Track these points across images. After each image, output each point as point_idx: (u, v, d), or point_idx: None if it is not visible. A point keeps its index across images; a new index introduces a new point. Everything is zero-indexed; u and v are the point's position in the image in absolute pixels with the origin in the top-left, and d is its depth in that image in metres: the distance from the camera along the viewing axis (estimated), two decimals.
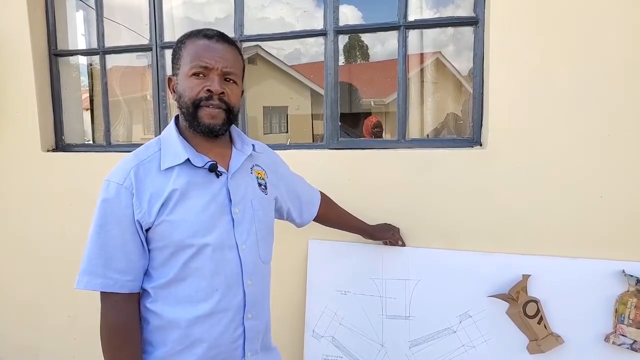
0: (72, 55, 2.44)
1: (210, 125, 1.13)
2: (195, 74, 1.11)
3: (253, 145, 1.28)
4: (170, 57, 1.19)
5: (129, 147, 2.28)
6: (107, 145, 2.33)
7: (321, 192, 1.62)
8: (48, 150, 2.35)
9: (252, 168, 1.27)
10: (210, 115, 1.12)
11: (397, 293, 1.81)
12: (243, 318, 1.18)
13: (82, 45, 2.52)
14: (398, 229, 1.80)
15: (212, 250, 1.12)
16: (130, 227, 1.08)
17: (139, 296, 1.15)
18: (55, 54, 2.36)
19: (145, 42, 2.25)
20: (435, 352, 1.77)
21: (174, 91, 1.17)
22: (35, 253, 2.37)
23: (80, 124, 2.54)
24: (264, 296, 1.27)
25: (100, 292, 1.10)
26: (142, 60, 2.50)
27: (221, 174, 1.16)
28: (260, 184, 1.27)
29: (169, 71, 2.21)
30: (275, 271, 1.91)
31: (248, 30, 2.06)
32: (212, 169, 1.14)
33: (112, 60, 2.46)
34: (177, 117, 1.21)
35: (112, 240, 1.08)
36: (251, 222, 1.20)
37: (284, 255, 1.95)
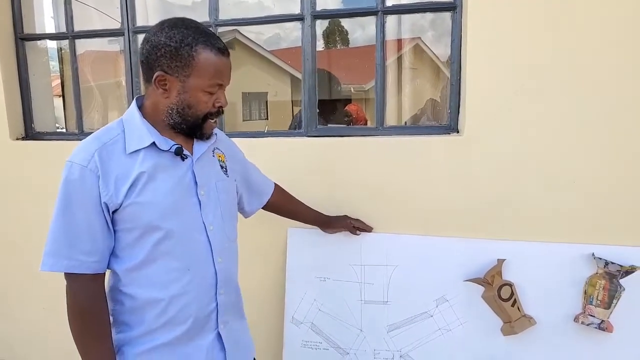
0: (39, 40, 2.35)
1: (209, 134, 1.22)
2: (211, 92, 1.14)
3: (215, 133, 1.30)
4: (158, 49, 1.09)
5: None
6: (80, 133, 2.27)
7: (276, 185, 1.66)
8: (17, 139, 2.28)
9: (214, 151, 1.31)
10: (212, 126, 1.21)
11: (375, 279, 1.83)
12: (216, 294, 1.23)
13: (50, 28, 2.43)
14: (357, 220, 1.81)
15: (182, 231, 1.15)
16: (95, 208, 1.08)
17: (104, 277, 1.16)
18: (22, 37, 2.27)
19: (117, 26, 2.18)
20: (412, 336, 1.80)
21: (165, 89, 1.12)
22: (8, 244, 2.32)
23: (51, 111, 2.46)
24: (234, 272, 1.32)
25: (66, 273, 1.10)
26: (114, 45, 2.42)
27: (186, 157, 1.19)
28: (222, 167, 1.32)
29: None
30: (255, 259, 1.93)
31: (224, 15, 2.02)
32: (178, 152, 1.16)
33: (83, 45, 2.38)
34: (137, 99, 1.20)
35: (77, 221, 1.08)
36: (216, 204, 1.24)
37: (264, 244, 1.96)
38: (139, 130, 1.14)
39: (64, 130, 2.73)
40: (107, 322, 1.14)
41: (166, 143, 1.15)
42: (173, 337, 1.17)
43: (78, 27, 2.23)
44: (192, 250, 1.18)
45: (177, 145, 1.16)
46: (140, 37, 2.15)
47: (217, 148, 1.33)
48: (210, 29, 1.23)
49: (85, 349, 1.12)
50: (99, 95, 2.68)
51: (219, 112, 1.19)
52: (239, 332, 1.35)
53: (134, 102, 1.20)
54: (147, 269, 1.14)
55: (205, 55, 1.10)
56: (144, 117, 1.16)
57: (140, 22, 2.15)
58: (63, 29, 2.26)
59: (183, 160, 1.18)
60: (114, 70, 2.61)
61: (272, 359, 1.98)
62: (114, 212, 1.10)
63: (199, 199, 1.19)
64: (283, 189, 1.70)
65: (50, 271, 1.08)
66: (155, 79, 1.11)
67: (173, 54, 1.09)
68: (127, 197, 1.09)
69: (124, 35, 2.14)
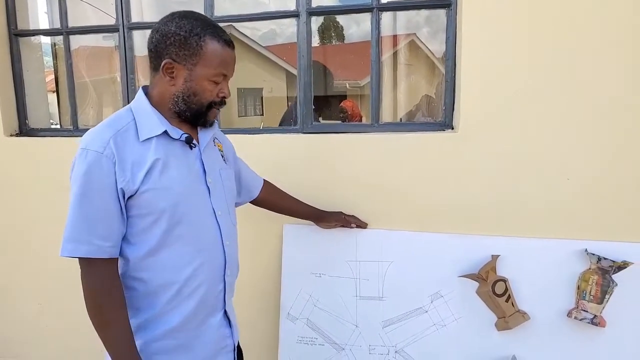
0: (33, 35, 2.33)
1: (212, 122, 1.28)
2: (216, 82, 1.19)
3: (216, 121, 1.36)
4: (168, 37, 1.14)
5: None
6: (75, 129, 2.25)
7: (266, 180, 1.69)
8: (11, 135, 2.27)
9: (214, 140, 1.36)
10: (215, 114, 1.26)
11: (370, 275, 1.84)
12: (224, 275, 1.29)
13: (44, 24, 2.42)
14: (352, 216, 1.82)
15: (194, 217, 1.20)
16: (112, 194, 1.11)
17: (117, 262, 1.18)
18: (16, 33, 2.25)
19: (112, 22, 2.17)
20: (407, 332, 1.82)
21: (172, 77, 1.17)
22: (2, 242, 2.31)
23: (45, 107, 2.45)
24: (237, 254, 1.38)
25: (82, 259, 1.12)
26: (109, 41, 2.41)
27: (194, 146, 1.24)
28: (222, 156, 1.38)
29: (137, 52, 2.16)
30: (251, 255, 1.94)
31: (219, 11, 2.01)
32: (188, 141, 1.21)
33: (78, 40, 2.37)
34: (143, 88, 1.24)
35: (95, 207, 1.10)
36: (222, 191, 1.31)
37: (260, 240, 1.96)
38: (150, 119, 1.18)
39: (58, 126, 2.71)
40: (124, 304, 1.16)
41: (177, 132, 1.20)
42: (184, 318, 1.21)
43: (72, 23, 2.21)
44: (204, 234, 1.24)
45: (186, 135, 1.21)
46: (135, 33, 2.14)
47: (216, 137, 1.38)
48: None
49: (105, 333, 1.13)
50: (93, 91, 2.66)
51: (222, 102, 1.24)
52: (233, 311, 1.41)
53: (140, 91, 1.23)
54: (162, 254, 1.18)
55: (213, 46, 1.15)
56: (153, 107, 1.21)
57: (135, 18, 2.13)
58: (57, 25, 2.24)
59: (191, 149, 1.23)
60: (108, 66, 2.60)
61: (267, 355, 1.99)
62: (129, 198, 1.13)
63: (207, 186, 1.25)
64: (272, 185, 1.72)
65: (69, 256, 1.10)
66: (163, 67, 1.15)
67: (182, 43, 1.13)
68: (143, 183, 1.12)
69: (118, 31, 2.13)
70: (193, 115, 1.21)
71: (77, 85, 2.30)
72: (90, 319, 1.14)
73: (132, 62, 2.14)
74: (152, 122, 1.18)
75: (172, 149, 1.19)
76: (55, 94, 2.61)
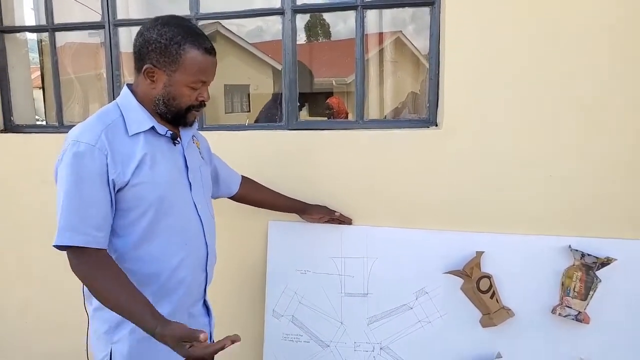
0: (19, 32, 2.31)
1: (192, 122, 1.32)
2: (194, 88, 1.23)
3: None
4: (150, 43, 1.18)
5: None
6: (60, 126, 2.24)
7: (244, 176, 1.70)
8: None
9: (193, 138, 1.41)
10: (195, 116, 1.31)
11: (355, 271, 1.84)
12: (206, 264, 1.36)
13: (30, 21, 2.40)
14: (336, 212, 1.82)
15: (180, 209, 1.27)
16: (103, 185, 1.14)
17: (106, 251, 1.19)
18: (2, 30, 2.24)
19: (98, 19, 2.16)
20: (392, 328, 1.81)
21: (153, 81, 1.21)
22: None
23: (30, 104, 2.43)
24: (215, 245, 1.42)
25: (72, 248, 1.12)
26: (95, 38, 2.40)
27: (178, 143, 1.30)
28: (200, 153, 1.44)
29: (123, 48, 2.15)
30: (236, 252, 1.93)
31: (205, 7, 2.01)
32: (174, 137, 1.27)
33: (64, 37, 2.36)
34: (128, 86, 1.28)
35: (88, 197, 1.12)
36: (201, 185, 1.37)
37: (245, 237, 1.95)
38: (137, 115, 1.23)
39: (44, 122, 2.70)
40: (122, 271, 1.15)
41: (162, 128, 1.26)
42: (171, 309, 1.25)
43: (58, 20, 2.20)
44: (188, 226, 1.30)
45: (171, 132, 1.27)
46: (121, 30, 2.13)
47: (194, 135, 1.42)
48: (191, 22, 1.29)
49: (127, 309, 1.11)
50: (79, 88, 2.65)
51: (201, 105, 1.28)
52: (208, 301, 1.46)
53: (126, 88, 1.28)
54: (149, 245, 1.22)
55: (192, 54, 1.19)
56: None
57: (121, 14, 2.12)
58: (43, 22, 2.23)
59: (175, 145, 1.29)
60: (94, 62, 2.59)
61: (252, 352, 1.98)
62: (118, 190, 1.17)
63: (189, 181, 1.31)
64: (252, 180, 1.73)
65: (66, 244, 1.11)
66: (144, 71, 1.21)
67: (162, 50, 1.18)
68: (134, 176, 1.17)
69: (104, 28, 2.11)
70: (173, 117, 1.26)
71: (63, 81, 2.29)
72: (104, 303, 1.13)
73: (118, 59, 2.13)
74: (140, 117, 1.23)
75: (159, 145, 1.25)
76: (41, 90, 2.59)
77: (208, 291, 1.43)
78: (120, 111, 1.22)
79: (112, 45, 2.12)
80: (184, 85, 1.21)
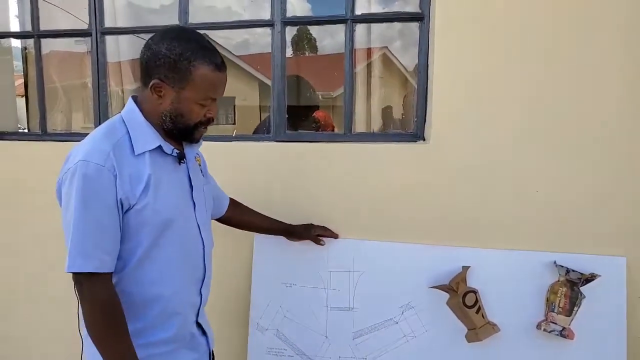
0: (3, 38, 2.29)
1: (198, 140, 1.28)
2: (203, 105, 1.19)
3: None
4: (158, 58, 1.14)
5: (66, 136, 2.18)
6: (43, 134, 2.20)
7: (231, 198, 1.68)
8: None
9: (195, 156, 1.36)
10: (202, 133, 1.27)
11: (341, 285, 1.82)
12: (201, 288, 1.33)
13: (15, 27, 2.37)
14: (323, 227, 1.80)
15: (183, 231, 1.24)
16: (113, 207, 1.11)
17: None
18: None
19: (85, 27, 2.14)
20: (378, 343, 1.80)
21: (160, 96, 1.17)
22: None
23: (13, 111, 2.39)
24: (211, 266, 1.40)
25: (85, 274, 1.10)
26: (81, 46, 2.38)
27: (184, 162, 1.27)
28: (201, 171, 1.40)
29: (110, 58, 2.13)
30: (221, 265, 1.88)
31: (193, 18, 2.00)
32: (180, 157, 1.24)
33: (49, 45, 2.33)
34: (133, 98, 1.24)
35: (99, 221, 1.10)
36: (204, 205, 1.34)
37: (230, 250, 1.93)
38: (144, 132, 1.19)
39: (26, 130, 2.66)
40: (125, 319, 1.14)
41: (168, 147, 1.22)
42: (173, 332, 1.24)
43: (44, 27, 2.18)
44: (190, 248, 1.28)
45: (178, 151, 1.24)
46: (108, 38, 2.12)
47: (196, 153, 1.38)
48: (202, 35, 1.27)
49: (110, 350, 1.12)
50: (63, 96, 2.62)
51: (209, 121, 1.25)
52: (206, 319, 1.43)
53: (132, 102, 1.23)
54: (151, 267, 1.19)
55: (202, 71, 1.15)
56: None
57: (108, 22, 2.11)
58: (28, 28, 2.20)
59: (180, 164, 1.25)
60: (79, 71, 2.56)
61: None
62: (125, 211, 1.14)
63: (193, 201, 1.28)
64: (238, 202, 1.71)
65: (78, 271, 1.09)
66: (151, 86, 1.16)
67: (171, 66, 1.13)
68: (140, 198, 1.14)
69: (91, 35, 2.10)
70: (180, 134, 1.23)
71: (47, 90, 2.26)
72: (93, 333, 1.12)
73: (104, 67, 2.11)
74: (147, 136, 1.18)
75: (164, 164, 1.21)
76: (24, 98, 2.56)
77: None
78: (126, 127, 1.18)
79: (98, 53, 2.10)
80: (193, 102, 1.17)
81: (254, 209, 1.73)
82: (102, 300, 1.11)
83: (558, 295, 1.66)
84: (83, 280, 1.10)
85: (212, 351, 1.45)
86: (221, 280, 1.89)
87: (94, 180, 1.08)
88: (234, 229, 1.74)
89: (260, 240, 1.89)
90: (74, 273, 1.11)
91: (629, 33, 1.59)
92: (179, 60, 1.13)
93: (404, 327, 1.78)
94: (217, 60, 1.18)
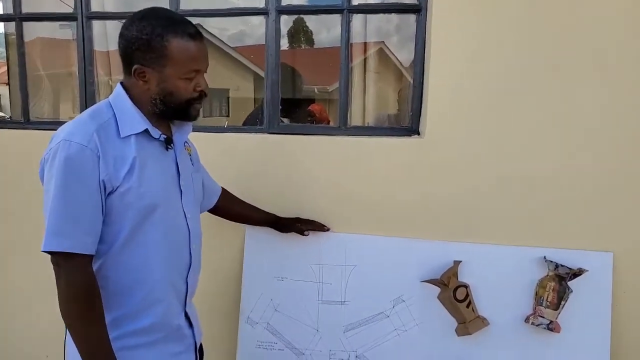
0: None
1: (195, 117, 1.26)
2: (189, 78, 1.17)
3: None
4: (132, 42, 1.13)
5: (51, 124, 2.10)
6: (26, 122, 2.13)
7: (223, 188, 1.67)
8: None
9: (185, 144, 1.35)
10: (197, 110, 1.25)
11: (333, 279, 1.81)
12: (187, 277, 1.30)
13: None
14: (310, 220, 1.79)
15: (168, 218, 1.21)
16: (95, 188, 1.09)
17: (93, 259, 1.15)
18: None
19: (70, 10, 2.07)
20: (369, 336, 1.80)
21: (145, 81, 1.16)
22: None
23: None
24: (200, 257, 1.38)
25: (61, 254, 1.07)
26: (66, 32, 2.30)
27: (171, 148, 1.25)
28: (190, 159, 1.38)
29: (98, 45, 2.07)
30: (212, 259, 1.87)
31: (185, 5, 1.95)
32: (168, 142, 1.23)
33: (34, 30, 2.25)
34: (121, 84, 1.22)
35: (79, 200, 1.08)
36: (191, 194, 1.32)
37: (221, 243, 1.90)
38: (131, 116, 1.17)
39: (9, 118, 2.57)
40: (101, 305, 1.13)
41: (156, 132, 1.20)
42: (155, 320, 1.22)
43: (26, 9, 2.10)
44: (175, 235, 1.25)
45: (165, 135, 1.22)
46: (95, 23, 2.06)
47: (186, 141, 1.37)
48: (170, 10, 1.25)
49: (81, 336, 1.10)
50: (48, 85, 2.54)
51: (201, 96, 1.23)
52: (195, 311, 1.42)
53: (120, 87, 1.21)
54: (134, 252, 1.17)
55: (177, 44, 1.13)
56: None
57: (95, 7, 2.04)
58: (9, 11, 2.12)
59: (167, 150, 1.24)
60: (65, 58, 2.48)
61: None
62: (108, 194, 1.12)
63: (180, 188, 1.27)
64: (229, 192, 1.69)
65: (53, 250, 1.07)
66: (134, 72, 1.15)
67: (146, 47, 1.13)
68: (124, 181, 1.12)
69: (77, 20, 2.02)
70: (175, 113, 1.23)
71: (32, 77, 2.19)
72: (65, 317, 1.10)
73: (91, 54, 2.04)
74: (134, 119, 1.17)
75: (151, 149, 1.20)
76: (7, 86, 2.47)
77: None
78: (113, 111, 1.17)
79: (85, 39, 2.03)
80: (177, 78, 1.16)
81: (244, 200, 1.72)
82: (79, 283, 1.09)
83: (546, 290, 1.69)
84: (60, 261, 1.08)
85: (201, 345, 1.44)
86: (212, 273, 1.88)
87: (75, 160, 1.07)
88: (226, 221, 1.72)
89: (252, 234, 1.87)
90: (51, 253, 1.08)
91: (628, 31, 1.60)
92: (151, 39, 1.12)
93: (395, 321, 1.79)
94: (190, 30, 1.16)
